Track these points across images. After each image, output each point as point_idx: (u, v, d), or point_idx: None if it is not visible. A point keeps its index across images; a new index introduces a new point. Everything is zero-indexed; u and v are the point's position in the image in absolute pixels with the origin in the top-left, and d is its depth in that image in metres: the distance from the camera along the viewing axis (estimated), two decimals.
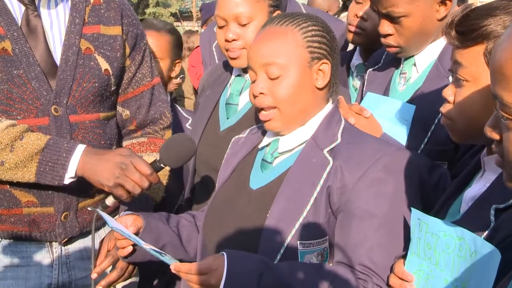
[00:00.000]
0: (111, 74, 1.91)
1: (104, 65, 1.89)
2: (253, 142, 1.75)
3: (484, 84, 1.35)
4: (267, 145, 1.68)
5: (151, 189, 1.91)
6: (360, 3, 2.43)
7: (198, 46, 5.50)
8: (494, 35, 1.33)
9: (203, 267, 1.39)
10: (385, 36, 1.95)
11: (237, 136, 1.84)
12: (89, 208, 1.89)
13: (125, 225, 1.64)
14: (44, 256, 1.89)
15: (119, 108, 2.03)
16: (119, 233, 1.56)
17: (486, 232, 1.25)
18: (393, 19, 1.90)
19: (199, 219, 1.81)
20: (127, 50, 1.97)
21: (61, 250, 1.91)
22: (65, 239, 1.90)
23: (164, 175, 2.02)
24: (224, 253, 1.42)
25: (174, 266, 1.42)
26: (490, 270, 1.12)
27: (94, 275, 1.78)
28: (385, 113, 1.91)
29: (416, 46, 1.95)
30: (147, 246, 1.53)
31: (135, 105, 2.03)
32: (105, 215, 1.62)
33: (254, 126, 1.82)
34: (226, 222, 1.63)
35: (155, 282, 2.42)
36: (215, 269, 1.39)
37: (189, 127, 2.54)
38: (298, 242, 1.49)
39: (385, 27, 1.94)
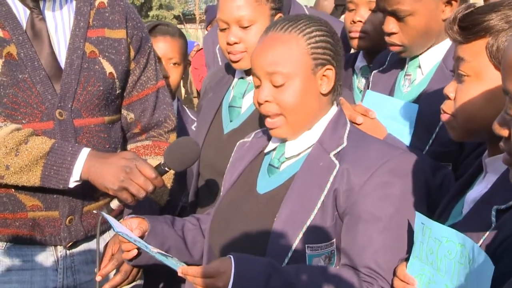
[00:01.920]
0: (115, 77, 1.90)
1: (108, 68, 1.89)
2: (259, 147, 1.75)
3: (485, 78, 1.35)
4: (273, 150, 1.68)
5: (155, 193, 1.91)
6: (352, 9, 2.43)
7: (201, 48, 5.51)
8: (496, 29, 1.33)
9: (210, 270, 1.39)
10: (389, 34, 1.95)
11: (242, 140, 1.84)
12: (94, 211, 1.89)
13: (130, 228, 1.64)
14: (49, 260, 1.89)
15: (123, 111, 2.03)
16: (124, 237, 1.56)
17: (487, 232, 1.25)
18: (398, 18, 1.90)
19: (204, 222, 1.81)
20: (132, 53, 1.97)
21: (66, 254, 1.91)
22: (70, 243, 1.90)
23: (168, 178, 2.02)
24: (231, 256, 1.42)
25: (181, 269, 1.42)
26: (485, 281, 1.12)
27: (98, 278, 1.78)
28: (388, 113, 1.90)
29: (420, 46, 1.95)
30: (153, 250, 1.53)
31: (139, 108, 2.03)
32: (110, 219, 1.62)
33: (259, 130, 1.82)
34: (233, 226, 1.63)
35: (160, 285, 2.42)
36: (222, 272, 1.39)
37: (194, 129, 2.55)
38: (305, 245, 1.49)
39: (390, 25, 1.93)
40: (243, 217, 1.62)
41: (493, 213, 1.26)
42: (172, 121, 2.10)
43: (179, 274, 1.42)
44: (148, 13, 24.51)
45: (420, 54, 1.98)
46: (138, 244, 1.55)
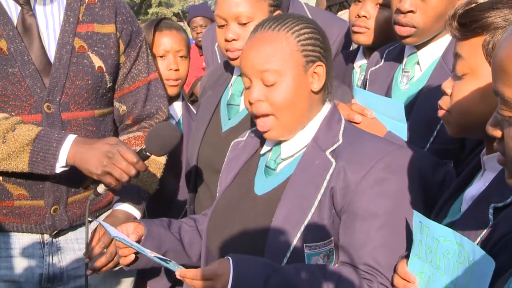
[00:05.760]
0: (104, 71, 1.95)
1: (97, 62, 1.93)
2: (254, 146, 1.74)
3: (481, 75, 1.36)
4: (269, 150, 1.67)
5: (143, 181, 2.01)
6: (359, 1, 2.40)
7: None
8: (493, 26, 1.33)
9: (209, 273, 1.39)
10: (405, 13, 1.88)
11: (236, 140, 1.84)
12: (89, 219, 1.91)
13: (127, 233, 1.65)
14: (35, 248, 1.94)
15: (116, 104, 2.08)
16: (121, 242, 1.57)
17: (485, 230, 1.25)
18: None
19: (201, 223, 1.81)
20: (122, 47, 2.01)
21: (52, 241, 1.96)
22: (55, 232, 1.94)
23: (158, 168, 2.08)
24: (230, 257, 1.41)
25: (179, 272, 1.42)
26: (485, 279, 1.12)
27: (87, 260, 1.86)
28: (379, 109, 1.87)
29: (430, 32, 1.90)
30: (151, 254, 1.53)
31: (131, 100, 2.08)
32: (106, 225, 1.65)
33: (253, 129, 1.80)
34: (230, 227, 1.62)
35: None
36: (221, 274, 1.38)
37: None
38: (304, 244, 1.49)
39: (409, 2, 1.87)
40: (240, 218, 1.61)
41: (491, 211, 1.26)
42: (164, 113, 2.14)
43: (178, 276, 1.42)
44: (148, 10, 24.50)
45: (419, 49, 1.96)
46: (135, 248, 1.56)
